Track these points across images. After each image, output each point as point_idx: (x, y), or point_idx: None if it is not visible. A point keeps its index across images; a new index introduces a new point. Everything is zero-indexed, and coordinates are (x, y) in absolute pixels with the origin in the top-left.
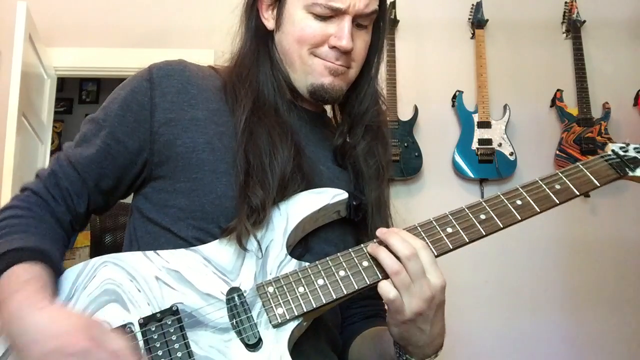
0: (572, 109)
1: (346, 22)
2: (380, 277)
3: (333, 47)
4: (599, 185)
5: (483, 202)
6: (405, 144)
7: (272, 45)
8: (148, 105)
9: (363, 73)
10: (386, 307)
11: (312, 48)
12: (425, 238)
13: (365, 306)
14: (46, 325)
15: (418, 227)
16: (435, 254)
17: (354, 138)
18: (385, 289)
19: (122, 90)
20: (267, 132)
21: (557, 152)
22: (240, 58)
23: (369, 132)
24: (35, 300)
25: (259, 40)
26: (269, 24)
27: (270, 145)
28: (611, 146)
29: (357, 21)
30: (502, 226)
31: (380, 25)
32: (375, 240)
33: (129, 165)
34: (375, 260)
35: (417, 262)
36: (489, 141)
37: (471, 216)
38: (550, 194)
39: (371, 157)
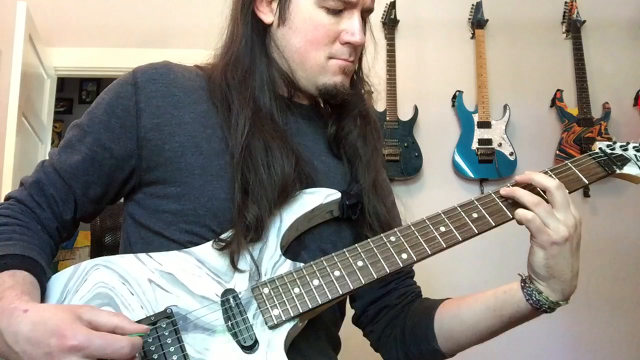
0: (572, 109)
1: (357, 17)
2: (375, 277)
3: (346, 43)
4: (587, 182)
5: (475, 201)
6: (405, 144)
7: (269, 40)
8: (133, 110)
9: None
10: (530, 232)
11: (327, 49)
12: (419, 237)
13: (410, 285)
14: (39, 324)
15: (412, 227)
16: (428, 253)
17: (347, 126)
18: (522, 212)
19: (106, 94)
20: (265, 145)
21: (557, 152)
22: (234, 56)
23: (361, 118)
24: (19, 303)
25: (254, 37)
26: (267, 17)
27: (270, 159)
28: (598, 144)
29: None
30: (494, 224)
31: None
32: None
33: (116, 172)
34: (370, 259)
35: (565, 193)
36: (489, 141)
37: (463, 215)
38: (541, 191)
39: (366, 142)
